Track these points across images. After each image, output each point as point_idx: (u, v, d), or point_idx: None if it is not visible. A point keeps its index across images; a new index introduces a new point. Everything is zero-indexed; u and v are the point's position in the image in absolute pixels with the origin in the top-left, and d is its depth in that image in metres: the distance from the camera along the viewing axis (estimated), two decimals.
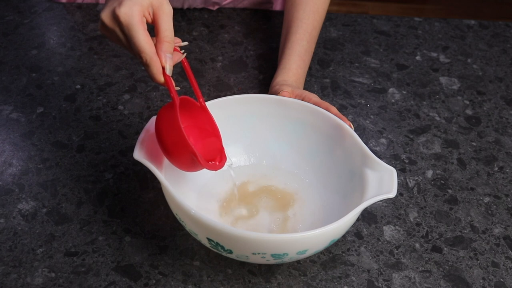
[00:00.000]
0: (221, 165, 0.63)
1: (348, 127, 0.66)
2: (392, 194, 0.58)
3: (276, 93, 0.74)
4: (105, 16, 0.57)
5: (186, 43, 0.62)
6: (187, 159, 0.58)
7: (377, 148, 0.80)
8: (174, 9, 0.59)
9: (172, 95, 0.58)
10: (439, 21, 1.07)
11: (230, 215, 0.66)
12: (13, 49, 0.94)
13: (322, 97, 0.87)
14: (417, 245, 0.67)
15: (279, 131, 0.72)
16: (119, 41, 0.58)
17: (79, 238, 0.65)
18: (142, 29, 0.56)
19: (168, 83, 0.58)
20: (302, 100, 0.71)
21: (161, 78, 0.57)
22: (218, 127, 0.64)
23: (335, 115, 0.67)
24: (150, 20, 0.58)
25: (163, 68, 0.57)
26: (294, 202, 0.68)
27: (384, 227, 0.69)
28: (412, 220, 0.70)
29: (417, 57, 0.98)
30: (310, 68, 0.92)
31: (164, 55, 0.57)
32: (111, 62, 0.92)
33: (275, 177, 0.71)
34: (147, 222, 0.68)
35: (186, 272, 0.63)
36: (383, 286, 0.62)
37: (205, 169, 0.60)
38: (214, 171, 0.63)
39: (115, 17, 0.56)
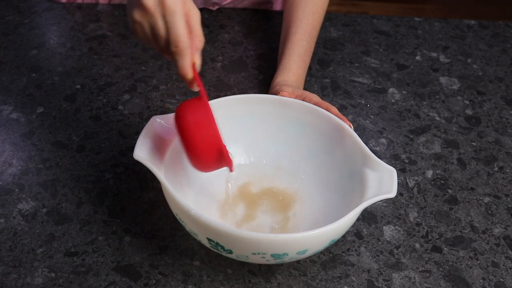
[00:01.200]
0: (232, 162, 0.62)
1: (348, 127, 0.66)
2: (392, 194, 0.58)
3: (276, 93, 0.74)
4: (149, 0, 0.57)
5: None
6: (213, 156, 0.58)
7: (377, 148, 0.80)
8: None
9: (201, 89, 0.58)
10: (439, 21, 1.07)
11: (230, 215, 0.66)
12: (13, 49, 0.94)
13: (322, 97, 0.87)
14: (417, 245, 0.67)
15: (279, 131, 0.72)
16: (154, 28, 0.58)
17: (79, 238, 0.65)
18: (184, 20, 0.56)
19: (197, 77, 0.58)
20: (303, 100, 0.71)
21: (190, 71, 0.58)
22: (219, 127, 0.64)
23: (335, 115, 0.68)
24: None
25: (193, 64, 0.58)
26: (294, 203, 0.68)
27: (384, 227, 0.69)
28: (412, 220, 0.70)
29: (417, 57, 0.98)
30: (310, 68, 0.92)
31: (196, 51, 0.58)
32: (111, 62, 0.92)
33: (275, 177, 0.71)
34: (147, 222, 0.68)
35: (186, 272, 0.63)
36: (383, 286, 0.62)
37: (213, 170, 0.61)
38: (215, 171, 0.63)
39: (162, 2, 0.56)
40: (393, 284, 0.63)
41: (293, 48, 0.82)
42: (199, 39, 0.58)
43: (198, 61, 0.58)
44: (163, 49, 0.59)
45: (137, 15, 0.59)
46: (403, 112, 0.86)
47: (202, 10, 1.05)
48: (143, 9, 0.57)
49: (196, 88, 0.60)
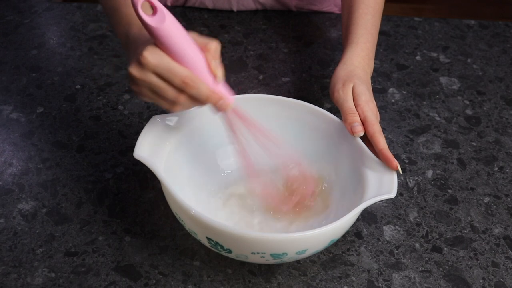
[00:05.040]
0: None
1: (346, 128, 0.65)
2: (392, 194, 0.58)
3: (343, 86, 0.69)
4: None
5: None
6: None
7: None
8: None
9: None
10: (439, 21, 1.07)
11: (230, 215, 0.66)
12: (13, 49, 0.94)
13: (322, 97, 0.87)
14: (417, 245, 0.67)
15: (279, 131, 0.72)
16: (153, 86, 0.56)
17: (79, 238, 0.65)
18: (171, 60, 0.55)
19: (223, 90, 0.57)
20: (364, 117, 0.65)
21: (213, 92, 0.56)
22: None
23: (382, 149, 0.62)
24: None
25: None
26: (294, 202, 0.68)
27: (384, 227, 0.69)
28: (412, 220, 0.70)
29: (417, 57, 0.98)
30: (310, 68, 0.92)
31: (213, 60, 0.57)
32: (111, 62, 0.92)
33: (275, 177, 0.71)
34: (147, 222, 0.68)
35: (186, 272, 0.63)
36: (383, 286, 0.62)
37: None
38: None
39: (142, 63, 0.55)
40: (393, 284, 0.63)
41: (357, 23, 0.78)
42: (213, 47, 0.57)
43: (219, 72, 0.57)
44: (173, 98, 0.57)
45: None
46: (403, 112, 0.86)
47: (202, 10, 1.05)
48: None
49: (226, 107, 0.58)
